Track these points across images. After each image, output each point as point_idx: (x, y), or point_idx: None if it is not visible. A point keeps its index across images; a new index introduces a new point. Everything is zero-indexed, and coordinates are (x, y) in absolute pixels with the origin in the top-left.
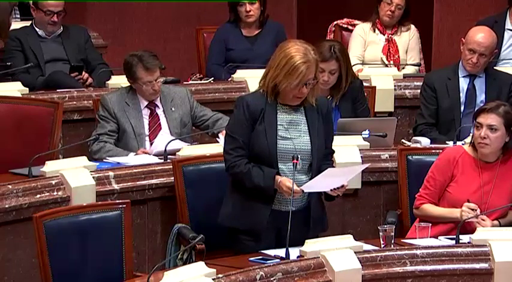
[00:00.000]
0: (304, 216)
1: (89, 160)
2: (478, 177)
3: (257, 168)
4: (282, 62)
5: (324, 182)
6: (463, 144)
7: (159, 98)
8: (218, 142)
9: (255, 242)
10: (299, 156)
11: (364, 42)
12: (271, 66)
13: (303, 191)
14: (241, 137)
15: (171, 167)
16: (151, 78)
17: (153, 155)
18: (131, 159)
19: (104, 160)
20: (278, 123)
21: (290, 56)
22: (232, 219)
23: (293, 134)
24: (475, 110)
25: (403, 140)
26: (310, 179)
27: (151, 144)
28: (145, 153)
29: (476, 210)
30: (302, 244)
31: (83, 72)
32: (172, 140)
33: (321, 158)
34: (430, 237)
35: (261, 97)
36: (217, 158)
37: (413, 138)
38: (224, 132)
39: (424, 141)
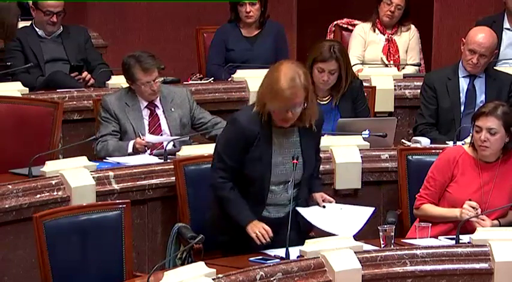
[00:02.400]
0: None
1: (89, 160)
2: (478, 177)
3: (240, 201)
4: (269, 84)
5: (319, 215)
6: (463, 144)
7: (158, 99)
8: None
9: (247, 247)
10: (298, 156)
11: (364, 42)
12: (262, 84)
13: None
14: (230, 161)
15: (171, 167)
16: (149, 79)
17: (153, 155)
18: (131, 159)
19: (104, 160)
20: (273, 148)
21: (276, 79)
22: (219, 230)
23: (286, 158)
24: (475, 110)
25: (403, 140)
26: (295, 195)
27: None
28: (141, 143)
29: (477, 208)
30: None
31: (84, 72)
32: (172, 140)
33: (311, 177)
34: (430, 237)
35: (256, 117)
36: None
37: (413, 138)
38: None
39: (424, 141)
